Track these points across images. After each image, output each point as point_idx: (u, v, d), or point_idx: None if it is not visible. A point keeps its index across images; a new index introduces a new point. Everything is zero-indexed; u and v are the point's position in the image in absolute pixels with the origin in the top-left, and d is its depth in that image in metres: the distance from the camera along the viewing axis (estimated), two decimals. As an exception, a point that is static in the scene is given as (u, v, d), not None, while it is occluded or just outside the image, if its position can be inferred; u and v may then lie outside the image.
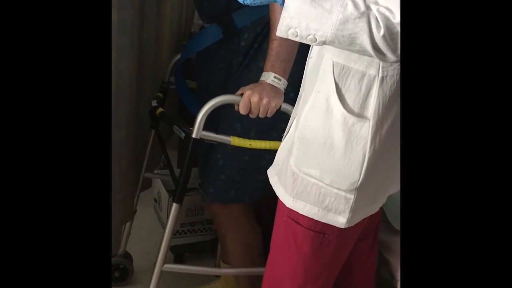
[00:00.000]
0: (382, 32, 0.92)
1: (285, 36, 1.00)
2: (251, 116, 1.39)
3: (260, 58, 1.56)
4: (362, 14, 0.93)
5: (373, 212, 1.21)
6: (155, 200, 2.39)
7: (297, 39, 1.00)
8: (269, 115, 1.39)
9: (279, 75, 1.39)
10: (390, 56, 0.95)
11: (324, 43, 0.98)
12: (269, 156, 1.55)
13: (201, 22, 2.06)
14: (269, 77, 1.39)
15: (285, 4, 0.98)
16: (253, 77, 1.49)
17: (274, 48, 1.40)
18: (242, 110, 1.38)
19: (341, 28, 0.94)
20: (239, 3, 1.06)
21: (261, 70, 1.43)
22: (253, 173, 1.62)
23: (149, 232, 2.24)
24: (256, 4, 1.06)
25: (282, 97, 1.40)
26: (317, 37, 0.97)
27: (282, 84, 1.40)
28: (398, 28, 0.92)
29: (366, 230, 1.26)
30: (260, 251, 1.73)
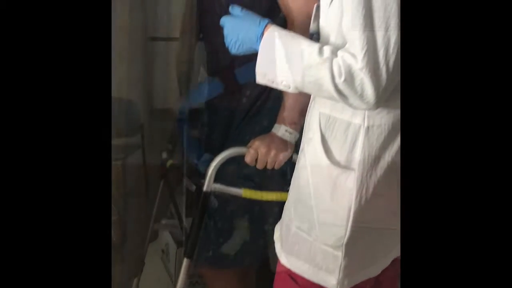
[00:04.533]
0: (343, 78, 0.93)
1: (263, 83, 1.02)
2: (257, 167, 1.38)
3: (264, 117, 1.53)
4: (325, 60, 0.94)
5: (374, 275, 1.12)
6: (162, 251, 2.35)
7: (274, 86, 1.02)
8: (276, 167, 1.38)
9: (292, 128, 1.38)
10: (357, 102, 0.95)
11: (297, 89, 1.00)
12: (272, 219, 1.51)
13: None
14: (280, 130, 1.39)
15: (259, 51, 1.01)
16: (256, 137, 1.48)
17: (289, 99, 1.38)
18: (248, 160, 1.37)
19: (306, 74, 0.96)
20: (244, 59, 1.09)
21: (265, 130, 1.41)
22: (256, 237, 1.56)
23: (155, 284, 2.20)
24: (241, 54, 1.09)
25: (292, 149, 1.38)
26: (289, 83, 0.99)
27: (293, 137, 1.39)
28: (362, 74, 0.92)
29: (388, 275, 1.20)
30: None
